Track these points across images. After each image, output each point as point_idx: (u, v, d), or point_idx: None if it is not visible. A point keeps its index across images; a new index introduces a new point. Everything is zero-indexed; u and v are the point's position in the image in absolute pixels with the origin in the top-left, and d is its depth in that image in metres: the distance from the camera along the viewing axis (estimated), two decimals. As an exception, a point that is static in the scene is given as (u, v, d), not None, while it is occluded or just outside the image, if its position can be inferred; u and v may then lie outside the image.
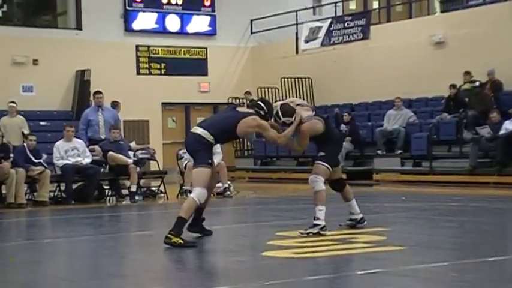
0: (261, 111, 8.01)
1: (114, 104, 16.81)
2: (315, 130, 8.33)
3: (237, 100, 22.08)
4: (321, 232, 8.11)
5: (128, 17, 22.56)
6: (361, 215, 8.80)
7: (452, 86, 17.70)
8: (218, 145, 14.58)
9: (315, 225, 8.17)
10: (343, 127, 19.00)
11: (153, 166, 16.85)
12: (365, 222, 8.76)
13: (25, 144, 13.85)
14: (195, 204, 7.70)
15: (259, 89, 22.87)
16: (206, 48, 23.74)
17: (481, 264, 6.28)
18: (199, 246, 7.93)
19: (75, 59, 21.18)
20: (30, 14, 22.51)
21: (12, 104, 15.98)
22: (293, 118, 8.17)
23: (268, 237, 7.90)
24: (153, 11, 22.88)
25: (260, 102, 8.16)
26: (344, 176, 17.96)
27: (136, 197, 14.18)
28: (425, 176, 17.25)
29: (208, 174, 7.80)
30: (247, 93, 22.24)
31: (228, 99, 22.72)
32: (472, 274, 5.88)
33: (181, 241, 7.50)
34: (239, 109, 8.15)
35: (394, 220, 10.15)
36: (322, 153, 8.37)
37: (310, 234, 8.07)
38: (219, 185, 14.75)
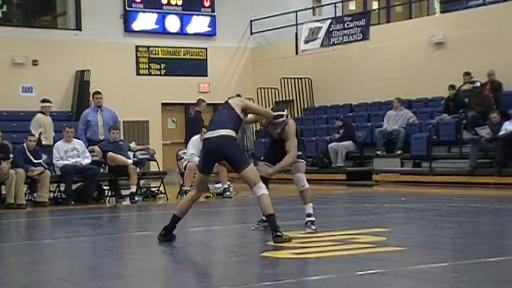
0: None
1: (200, 101, 16.92)
2: (296, 129, 8.60)
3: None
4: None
5: (127, 18, 22.59)
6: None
7: (451, 87, 17.71)
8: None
9: (312, 221, 8.43)
10: (337, 135, 18.96)
11: (153, 167, 16.86)
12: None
13: (25, 144, 13.85)
14: (269, 196, 7.82)
15: (258, 90, 22.88)
16: (206, 49, 23.76)
17: (481, 264, 6.28)
18: (198, 247, 7.92)
19: (74, 59, 21.21)
20: (30, 14, 22.53)
21: (49, 104, 15.94)
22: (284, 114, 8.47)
23: (267, 237, 7.89)
24: (152, 12, 22.91)
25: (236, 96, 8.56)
26: (344, 177, 18.21)
27: (136, 198, 14.18)
28: (425, 177, 17.25)
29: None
30: (239, 95, 22.14)
31: (227, 100, 22.72)
32: (472, 275, 5.88)
33: (288, 236, 7.65)
34: (230, 101, 8.30)
35: (394, 221, 10.15)
36: (300, 153, 8.59)
37: (315, 230, 8.35)
38: (219, 185, 14.76)
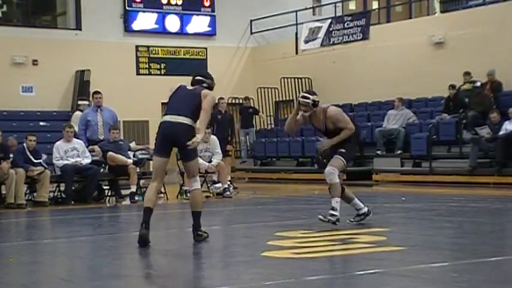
0: (205, 84, 8.31)
1: (220, 101, 16.70)
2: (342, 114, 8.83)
3: (235, 100, 22.14)
4: (336, 223, 8.58)
5: (127, 18, 22.58)
6: (366, 208, 9.15)
7: (452, 87, 17.71)
8: (217, 145, 14.64)
9: (333, 215, 8.61)
10: None
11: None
12: (371, 214, 9.17)
13: (25, 144, 13.85)
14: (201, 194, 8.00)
15: (259, 89, 22.89)
16: (206, 49, 23.75)
17: (481, 264, 6.28)
18: (198, 247, 7.92)
19: (74, 59, 21.19)
20: (30, 14, 22.52)
21: (87, 102, 15.85)
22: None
23: (267, 237, 7.90)
24: (152, 12, 22.90)
25: (201, 78, 8.38)
26: (344, 176, 18.18)
27: (136, 197, 14.17)
28: (425, 177, 17.25)
29: None
30: (247, 98, 22.27)
31: (227, 100, 22.72)
32: (472, 274, 5.88)
33: (206, 233, 7.96)
34: (190, 87, 8.24)
35: (394, 220, 10.15)
36: (343, 150, 8.78)
37: (331, 222, 8.55)
38: (219, 185, 14.76)
